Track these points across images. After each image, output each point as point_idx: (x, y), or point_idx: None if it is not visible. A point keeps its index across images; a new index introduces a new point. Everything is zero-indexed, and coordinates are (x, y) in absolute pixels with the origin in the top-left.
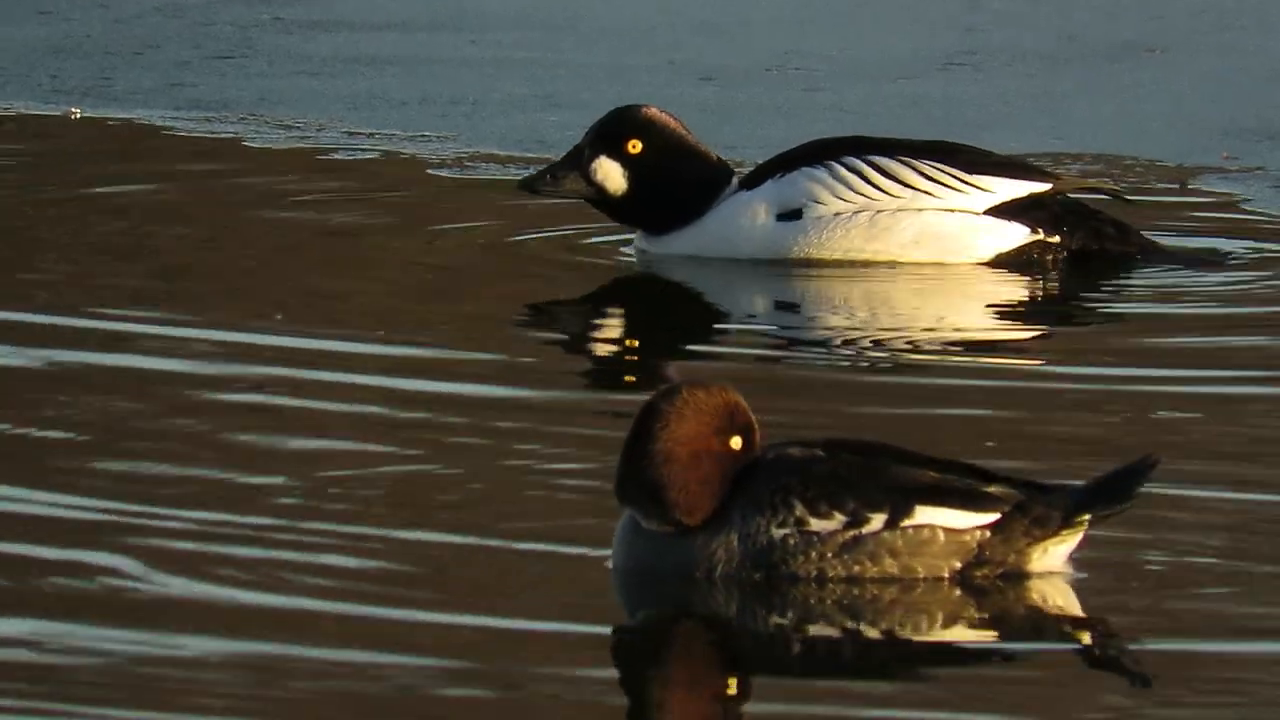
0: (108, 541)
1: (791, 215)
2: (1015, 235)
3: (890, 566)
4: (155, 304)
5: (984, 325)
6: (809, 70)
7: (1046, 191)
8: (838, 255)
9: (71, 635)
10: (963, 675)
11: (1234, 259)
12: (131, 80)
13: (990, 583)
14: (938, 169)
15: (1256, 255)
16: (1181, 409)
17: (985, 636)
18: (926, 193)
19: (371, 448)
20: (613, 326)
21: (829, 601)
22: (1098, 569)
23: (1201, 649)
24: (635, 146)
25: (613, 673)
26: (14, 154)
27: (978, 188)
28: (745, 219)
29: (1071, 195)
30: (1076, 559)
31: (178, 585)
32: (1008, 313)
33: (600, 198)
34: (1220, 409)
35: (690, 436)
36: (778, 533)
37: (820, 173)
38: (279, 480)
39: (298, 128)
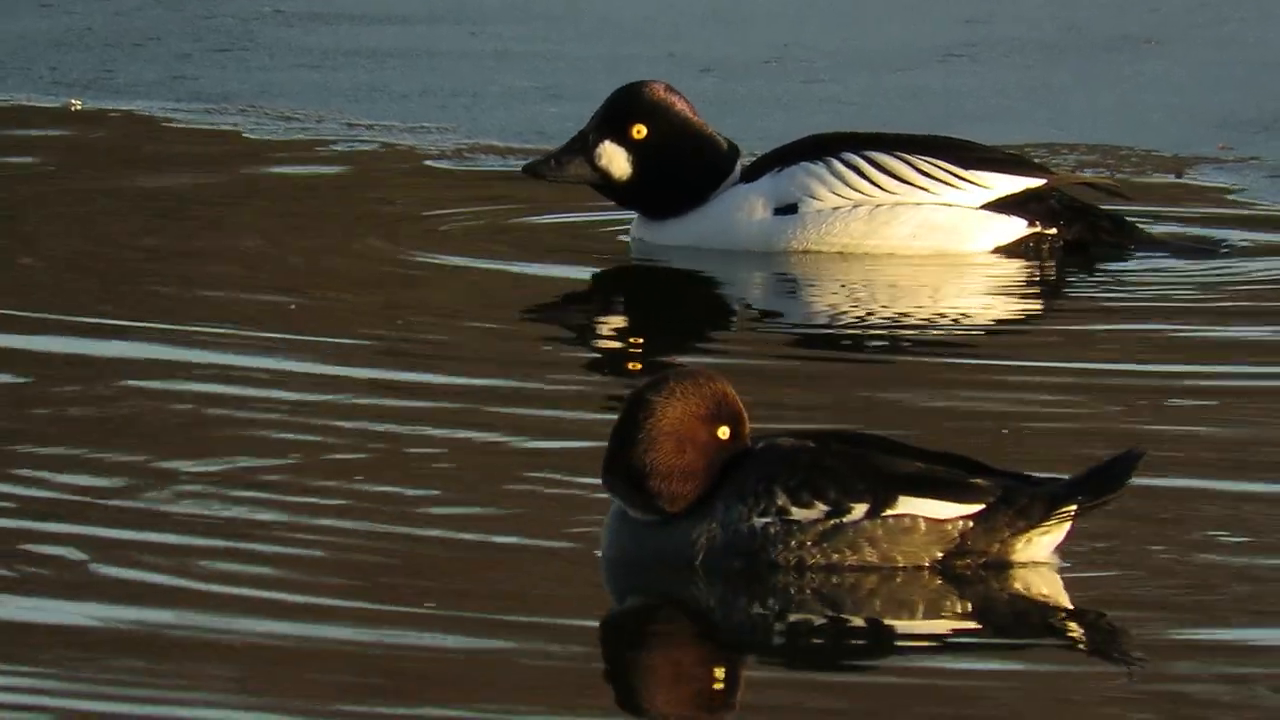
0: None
1: (789, 209)
2: (1013, 228)
3: (870, 555)
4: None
5: (985, 316)
6: (809, 62)
7: (1042, 187)
8: (836, 249)
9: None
10: (941, 665)
11: (1227, 248)
12: (132, 72)
13: (973, 572)
14: (935, 165)
15: (1251, 244)
16: (1185, 399)
17: (964, 626)
18: (923, 189)
19: (358, 432)
20: (607, 315)
21: (809, 590)
22: (1083, 559)
23: (1186, 638)
24: (640, 131)
25: (594, 660)
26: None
27: (974, 183)
28: (743, 212)
29: (1068, 190)
30: (1062, 550)
31: (144, 575)
32: (1009, 304)
33: (604, 183)
34: (1216, 400)
35: (675, 426)
36: (759, 521)
37: (818, 168)
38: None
39: (298, 120)
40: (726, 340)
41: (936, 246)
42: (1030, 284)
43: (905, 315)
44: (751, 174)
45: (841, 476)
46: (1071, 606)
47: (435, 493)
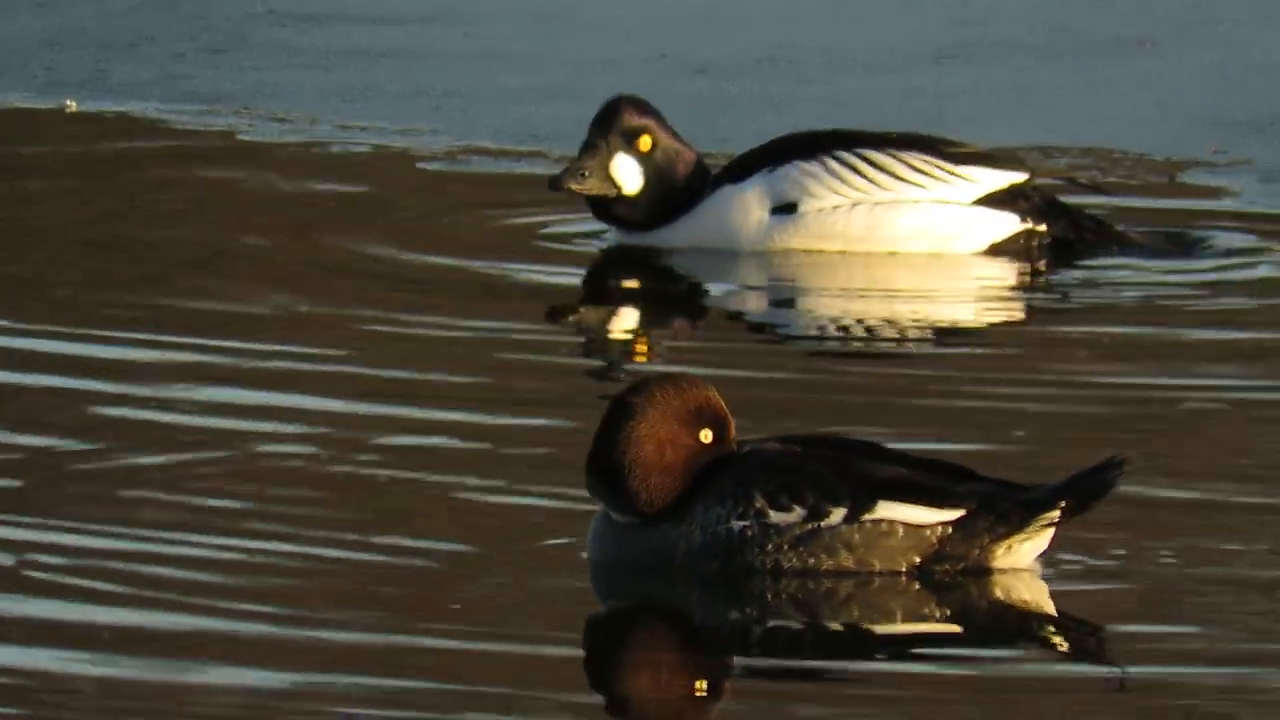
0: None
1: (787, 209)
2: (1006, 225)
3: (846, 560)
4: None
5: (986, 315)
6: (801, 63)
7: (1024, 182)
8: (837, 247)
9: None
10: (913, 670)
11: (1204, 246)
12: (126, 73)
13: (952, 578)
14: (926, 161)
15: (1228, 242)
16: (1190, 404)
17: (940, 631)
18: (917, 185)
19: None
20: (597, 317)
21: (785, 594)
22: (1064, 566)
23: (1166, 646)
24: (646, 143)
25: (572, 662)
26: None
27: (963, 179)
28: (739, 212)
29: (1048, 188)
30: (1045, 557)
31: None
32: (1007, 305)
33: (613, 196)
34: (1214, 406)
35: (654, 429)
36: (737, 524)
37: (813, 166)
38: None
39: (291, 120)
40: (719, 342)
41: (936, 244)
42: (1025, 283)
43: (906, 317)
44: (738, 173)
45: (822, 481)
46: (1049, 613)
47: (416, 507)
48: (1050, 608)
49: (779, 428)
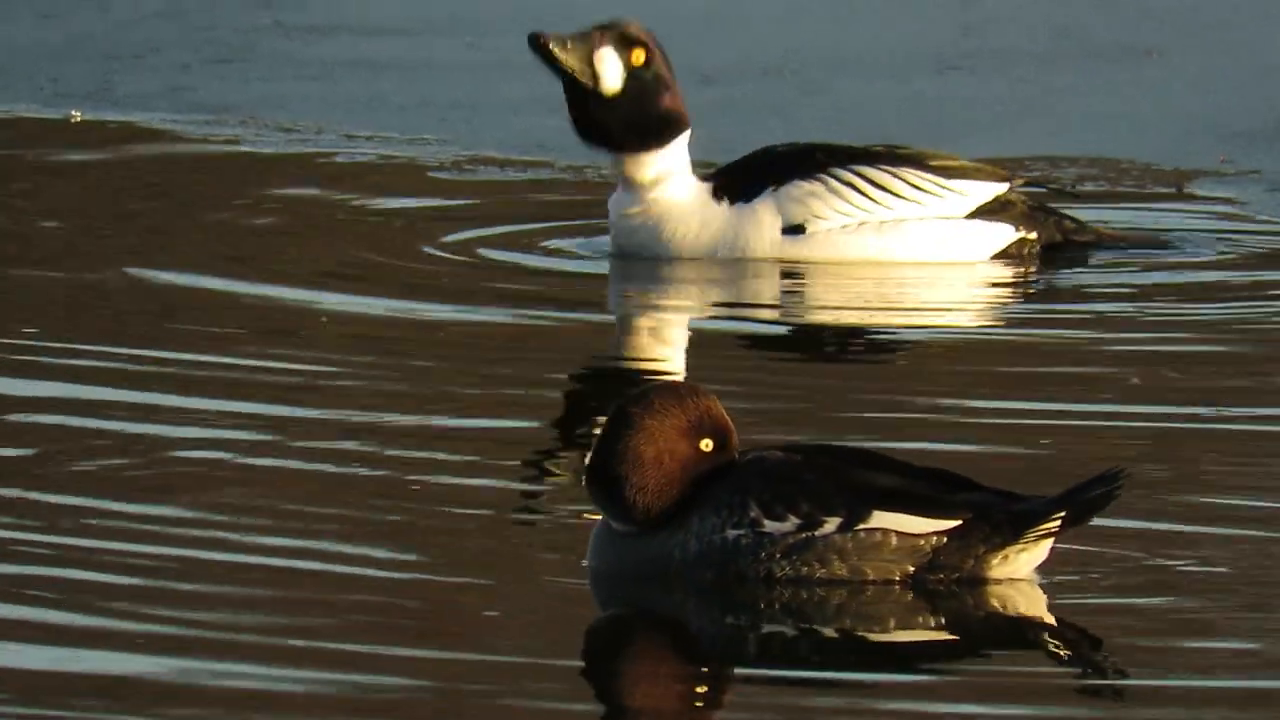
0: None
1: (796, 230)
2: (1004, 234)
3: (839, 569)
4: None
5: (992, 324)
6: (806, 71)
7: (1007, 192)
8: (846, 265)
9: None
10: (903, 680)
11: (1182, 242)
12: (132, 84)
13: (946, 588)
14: (919, 177)
15: (1208, 240)
16: (1191, 414)
17: (933, 639)
18: (915, 201)
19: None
20: (599, 327)
21: (778, 603)
22: (1061, 578)
23: (1157, 657)
24: (639, 57)
25: (567, 671)
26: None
27: (956, 192)
28: (751, 230)
29: (1028, 193)
30: (1042, 568)
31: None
32: (1018, 312)
33: (588, 88)
34: (1214, 422)
35: (654, 438)
36: (732, 533)
37: (815, 186)
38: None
39: (297, 131)
40: (727, 354)
41: (942, 257)
42: (1028, 292)
43: (918, 326)
44: (737, 189)
45: (817, 490)
46: (1045, 623)
47: (429, 508)
48: (1046, 618)
49: (786, 438)
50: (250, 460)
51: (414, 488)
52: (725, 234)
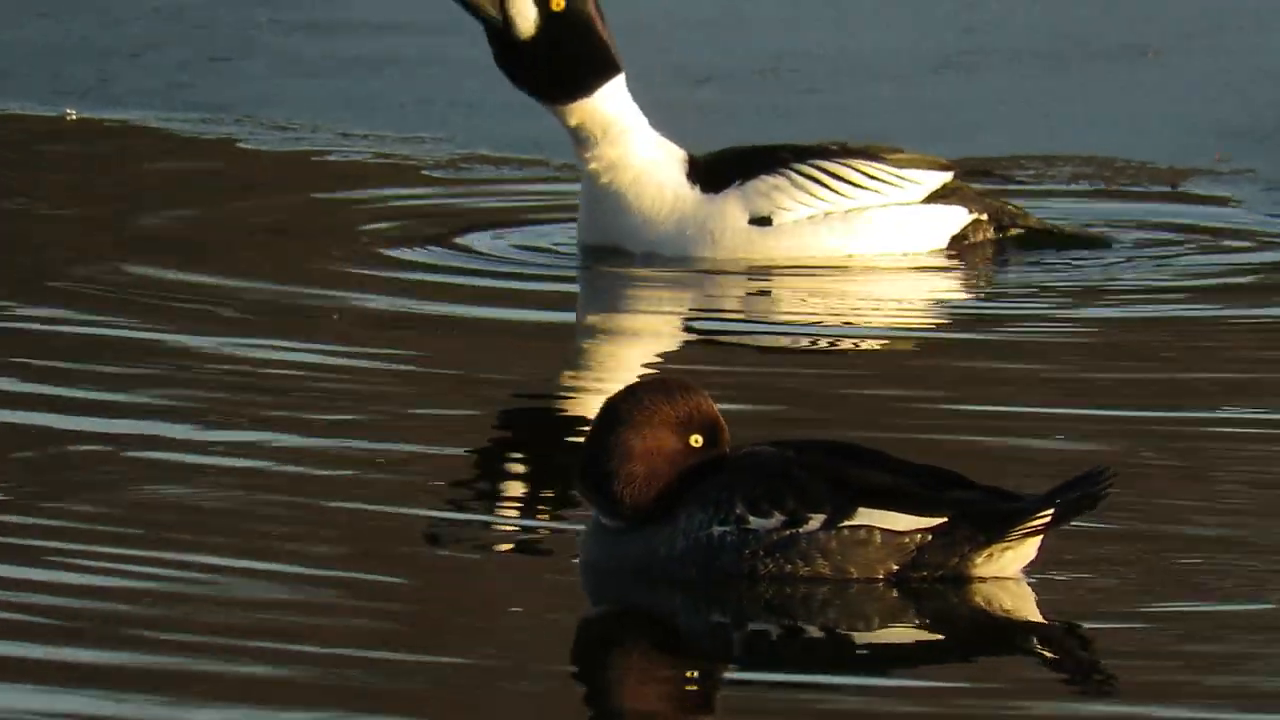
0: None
1: (763, 222)
2: (959, 217)
3: (823, 567)
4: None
5: (962, 316)
6: (805, 72)
7: (952, 180)
8: (815, 255)
9: None
10: (883, 683)
11: (1116, 239)
12: (129, 82)
13: (931, 586)
14: (873, 167)
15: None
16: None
17: (917, 638)
18: (873, 190)
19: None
20: (583, 324)
21: (761, 600)
22: (1047, 576)
23: (1147, 655)
24: (559, 3)
25: (558, 667)
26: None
27: (910, 180)
28: (717, 223)
29: (969, 179)
30: (1029, 566)
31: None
32: (990, 304)
33: (503, 32)
34: (1202, 415)
35: (642, 434)
36: (717, 530)
37: (779, 179)
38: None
39: (294, 129)
40: (706, 351)
41: (904, 244)
42: (994, 281)
43: (889, 318)
44: (711, 180)
45: (804, 487)
46: (1030, 622)
47: (422, 496)
48: (1032, 616)
49: (777, 435)
50: (245, 451)
51: (396, 486)
52: (693, 226)
